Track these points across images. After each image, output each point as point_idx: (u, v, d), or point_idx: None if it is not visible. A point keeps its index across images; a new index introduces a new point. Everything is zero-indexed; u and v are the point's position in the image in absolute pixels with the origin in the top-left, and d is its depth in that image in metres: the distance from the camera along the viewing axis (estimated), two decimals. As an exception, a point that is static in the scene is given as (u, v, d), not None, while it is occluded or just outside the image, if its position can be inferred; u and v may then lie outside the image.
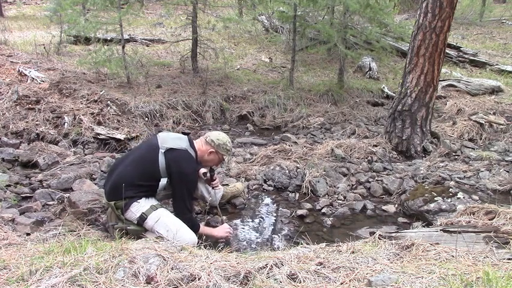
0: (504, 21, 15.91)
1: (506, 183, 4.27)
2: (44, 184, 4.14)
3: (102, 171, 4.50)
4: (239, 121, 7.30)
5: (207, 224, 3.65)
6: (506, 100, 8.06)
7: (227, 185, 4.16)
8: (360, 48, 8.76)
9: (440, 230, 2.91)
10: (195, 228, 3.13)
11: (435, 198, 3.88)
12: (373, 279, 1.99)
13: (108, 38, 8.81)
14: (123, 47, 7.33)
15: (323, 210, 4.05)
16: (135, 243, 2.42)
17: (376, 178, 4.70)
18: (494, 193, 4.09)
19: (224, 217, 3.75)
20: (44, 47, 8.76)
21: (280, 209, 4.10)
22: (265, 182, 4.59)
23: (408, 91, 5.47)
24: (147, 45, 10.81)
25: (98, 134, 5.53)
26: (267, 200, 4.33)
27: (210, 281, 1.96)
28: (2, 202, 3.59)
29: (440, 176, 4.51)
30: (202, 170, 3.45)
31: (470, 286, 1.90)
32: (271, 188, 4.51)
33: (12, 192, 3.88)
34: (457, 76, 9.60)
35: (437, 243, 2.56)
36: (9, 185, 4.02)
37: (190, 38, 8.38)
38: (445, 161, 5.17)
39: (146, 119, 6.42)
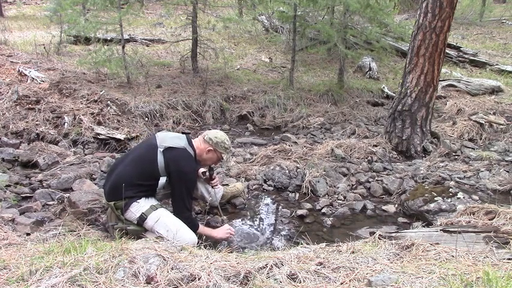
0: (504, 21, 15.91)
1: (506, 183, 4.27)
2: (44, 184, 4.13)
3: (102, 171, 4.50)
4: (239, 121, 7.30)
5: (207, 224, 3.65)
6: (506, 100, 8.06)
7: (227, 185, 4.16)
8: (360, 48, 8.76)
9: (440, 230, 2.91)
10: (194, 227, 3.12)
11: (435, 198, 3.88)
12: (373, 279, 1.99)
13: (108, 38, 8.81)
14: (123, 47, 7.33)
15: (323, 210, 4.05)
16: (135, 243, 2.42)
17: (376, 178, 4.70)
18: (494, 193, 4.09)
19: (225, 217, 3.75)
20: (44, 47, 8.76)
21: (280, 209, 4.10)
22: (265, 182, 4.59)
23: (408, 91, 5.47)
24: (147, 45, 10.81)
25: (98, 134, 5.53)
26: (267, 200, 4.33)
27: (210, 281, 1.96)
28: (2, 202, 3.59)
29: (440, 176, 4.51)
30: (202, 170, 3.45)
31: (470, 286, 1.90)
32: (271, 188, 4.51)
33: (12, 192, 3.88)
34: (457, 76, 9.60)
35: (437, 243, 2.56)
36: (9, 185, 4.02)
37: (190, 38, 8.38)
38: (445, 161, 5.17)
39: (146, 119, 6.42)
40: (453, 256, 2.32)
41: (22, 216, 3.37)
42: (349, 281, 2.02)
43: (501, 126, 6.43)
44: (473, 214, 3.31)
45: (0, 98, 6.09)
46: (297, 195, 4.38)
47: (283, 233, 3.68)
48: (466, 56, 10.99)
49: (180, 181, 3.07)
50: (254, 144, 6.04)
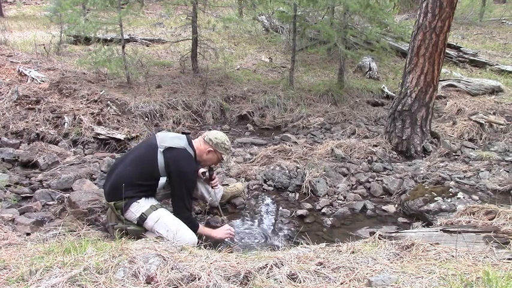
0: (504, 21, 15.91)
1: (506, 183, 4.27)
2: (44, 184, 4.14)
3: (102, 171, 4.50)
4: (239, 121, 7.30)
5: (208, 225, 3.66)
6: (506, 100, 8.06)
7: (227, 185, 4.16)
8: (360, 48, 8.76)
9: (440, 230, 2.91)
10: (194, 227, 3.12)
11: (435, 198, 3.88)
12: (373, 279, 1.99)
13: (108, 38, 8.81)
14: (123, 47, 7.33)
15: (323, 210, 4.05)
16: (135, 243, 2.42)
17: (376, 178, 4.70)
18: (494, 193, 4.09)
19: (225, 217, 3.75)
20: (44, 47, 8.76)
21: (280, 209, 4.10)
22: (265, 182, 4.59)
23: (408, 91, 5.47)
24: (147, 45, 10.81)
25: (98, 134, 5.53)
26: (267, 200, 4.33)
27: (210, 281, 1.96)
28: (2, 202, 3.59)
29: (440, 176, 4.51)
30: (201, 170, 3.45)
31: (470, 286, 1.90)
32: (271, 188, 4.51)
33: (12, 192, 3.88)
34: (457, 76, 9.60)
35: (437, 243, 2.56)
36: (9, 185, 4.02)
37: (190, 38, 8.38)
38: (445, 161, 5.17)
39: (146, 119, 6.42)
40: (453, 256, 2.32)
41: (22, 216, 3.37)
42: (349, 281, 2.02)
43: (501, 126, 6.43)
44: (473, 214, 3.31)
45: (0, 98, 6.09)
46: (297, 195, 4.38)
47: (283, 233, 3.68)
48: (466, 56, 10.99)
49: (180, 181, 3.08)
50: (254, 144, 6.04)
